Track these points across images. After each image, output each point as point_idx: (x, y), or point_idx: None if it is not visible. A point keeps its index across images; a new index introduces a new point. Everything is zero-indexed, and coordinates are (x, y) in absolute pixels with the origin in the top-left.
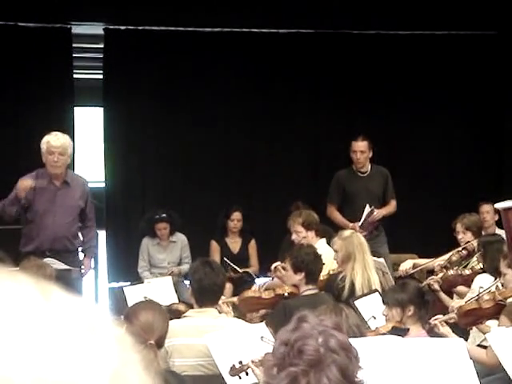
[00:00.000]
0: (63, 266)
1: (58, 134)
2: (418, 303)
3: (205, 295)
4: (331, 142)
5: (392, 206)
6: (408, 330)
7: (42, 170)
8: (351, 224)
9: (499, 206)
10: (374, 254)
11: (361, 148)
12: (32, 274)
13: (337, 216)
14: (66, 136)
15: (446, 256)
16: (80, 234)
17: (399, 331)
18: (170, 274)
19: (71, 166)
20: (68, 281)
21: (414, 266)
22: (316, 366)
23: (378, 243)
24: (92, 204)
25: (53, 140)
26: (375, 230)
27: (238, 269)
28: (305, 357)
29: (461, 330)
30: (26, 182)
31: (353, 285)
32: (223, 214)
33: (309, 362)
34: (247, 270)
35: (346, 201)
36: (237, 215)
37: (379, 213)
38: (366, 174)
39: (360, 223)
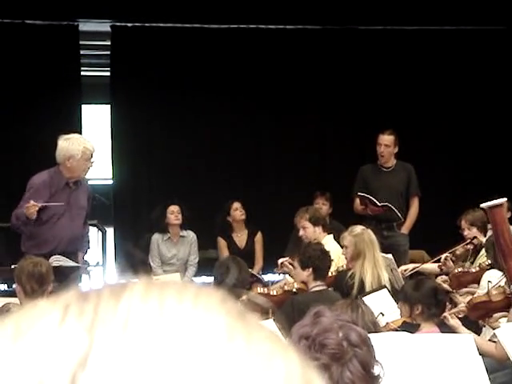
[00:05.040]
0: (71, 263)
1: (85, 137)
2: (427, 303)
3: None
4: (338, 137)
5: (414, 208)
6: (419, 325)
7: (55, 169)
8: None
9: (485, 205)
10: (392, 249)
11: (385, 142)
12: (28, 272)
13: (360, 207)
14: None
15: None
16: None
17: (410, 326)
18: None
19: None
20: (76, 277)
21: (414, 268)
22: (338, 359)
23: (402, 241)
24: (90, 202)
25: (89, 146)
26: (398, 228)
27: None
28: (327, 350)
29: (472, 324)
30: (32, 209)
31: (362, 283)
32: (223, 211)
33: (331, 355)
34: (252, 272)
35: (368, 195)
36: (237, 205)
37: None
38: (389, 170)
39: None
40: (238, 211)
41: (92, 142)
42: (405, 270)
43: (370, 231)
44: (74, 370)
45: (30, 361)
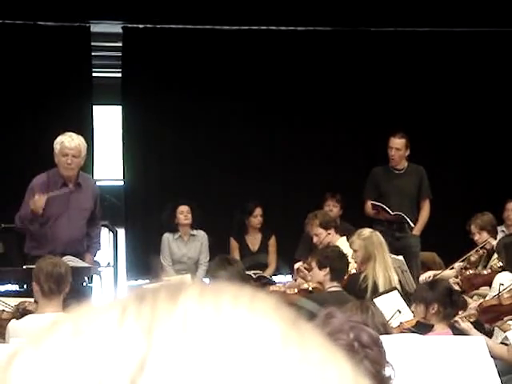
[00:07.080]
0: (82, 264)
1: (73, 134)
2: (443, 302)
3: None
4: (349, 139)
5: (425, 210)
6: (432, 326)
7: (54, 170)
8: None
9: None
10: (403, 251)
11: (396, 145)
12: (47, 272)
13: (371, 211)
14: (81, 137)
15: (465, 257)
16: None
17: (423, 327)
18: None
19: (90, 164)
20: (86, 278)
21: (434, 276)
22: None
23: (414, 243)
24: (99, 203)
25: (67, 141)
26: (410, 230)
27: (252, 275)
28: None
29: (483, 327)
30: (39, 203)
31: (375, 285)
32: (242, 211)
33: None
34: (263, 274)
35: (380, 197)
36: (259, 211)
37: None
38: (401, 172)
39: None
40: (257, 218)
41: (77, 140)
42: (427, 278)
43: (378, 233)
44: (133, 374)
45: (89, 360)
